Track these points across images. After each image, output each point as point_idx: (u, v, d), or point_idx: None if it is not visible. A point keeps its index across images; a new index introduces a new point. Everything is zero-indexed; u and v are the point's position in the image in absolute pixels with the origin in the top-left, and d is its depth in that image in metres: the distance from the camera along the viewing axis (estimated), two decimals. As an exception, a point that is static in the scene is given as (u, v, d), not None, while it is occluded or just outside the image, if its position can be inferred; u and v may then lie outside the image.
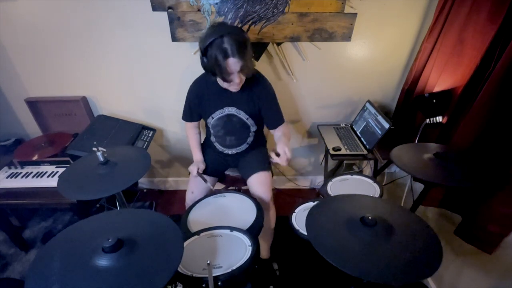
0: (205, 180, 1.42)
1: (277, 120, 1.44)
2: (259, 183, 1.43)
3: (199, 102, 1.41)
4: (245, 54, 1.14)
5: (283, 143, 1.23)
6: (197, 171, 1.45)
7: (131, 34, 1.57)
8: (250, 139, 1.50)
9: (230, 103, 1.37)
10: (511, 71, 1.06)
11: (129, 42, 1.59)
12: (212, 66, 1.16)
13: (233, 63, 1.13)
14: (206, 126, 1.52)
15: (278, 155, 1.21)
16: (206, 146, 1.62)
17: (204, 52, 1.16)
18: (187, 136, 1.58)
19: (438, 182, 1.04)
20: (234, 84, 1.23)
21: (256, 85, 1.36)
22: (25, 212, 2.01)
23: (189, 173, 1.51)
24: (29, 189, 1.41)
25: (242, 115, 1.39)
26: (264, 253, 1.63)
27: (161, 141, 2.03)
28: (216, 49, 1.11)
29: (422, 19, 1.58)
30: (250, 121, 1.42)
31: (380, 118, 1.62)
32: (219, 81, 1.28)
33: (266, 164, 1.51)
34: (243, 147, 1.52)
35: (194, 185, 1.46)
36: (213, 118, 1.41)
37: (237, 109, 1.38)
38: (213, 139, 1.52)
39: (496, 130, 1.15)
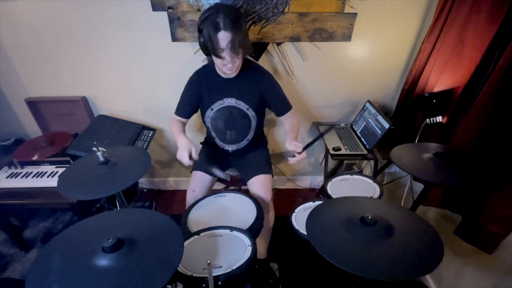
0: (195, 163, 1.19)
1: (283, 105, 1.44)
2: (259, 185, 1.43)
3: (198, 94, 1.40)
4: (237, 29, 1.14)
5: (293, 145, 1.23)
6: (190, 157, 1.24)
7: (131, 34, 1.57)
8: (250, 135, 1.50)
9: (229, 94, 1.37)
10: (511, 71, 1.06)
11: (129, 42, 1.59)
12: (205, 42, 1.17)
13: (224, 37, 1.13)
14: (205, 123, 1.51)
15: (293, 156, 1.23)
16: (206, 144, 1.62)
17: (199, 29, 1.18)
18: (170, 127, 1.43)
19: (438, 182, 1.04)
20: (228, 63, 1.21)
21: (255, 74, 1.37)
22: (25, 212, 2.01)
23: (191, 172, 1.51)
24: (29, 189, 1.41)
25: (242, 106, 1.39)
26: (262, 253, 1.62)
27: (161, 141, 2.03)
28: (209, 24, 1.13)
29: (422, 19, 1.59)
30: (250, 112, 1.42)
31: (380, 118, 1.62)
32: (216, 64, 1.27)
33: (266, 166, 1.50)
34: (244, 143, 1.51)
35: (195, 184, 1.46)
36: (212, 110, 1.41)
37: (237, 99, 1.38)
38: (213, 134, 1.51)
39: (496, 130, 1.15)
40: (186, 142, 1.27)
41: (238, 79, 1.36)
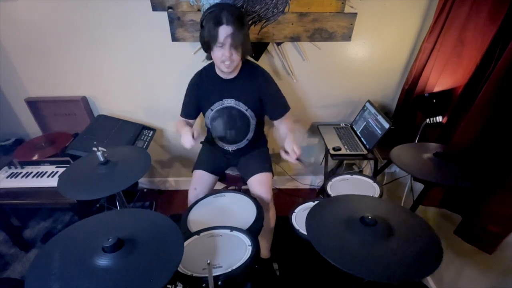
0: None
1: (279, 108, 1.43)
2: (260, 183, 1.43)
3: (198, 94, 1.42)
4: (238, 25, 1.16)
5: (290, 140, 1.22)
6: (192, 136, 1.26)
7: (131, 34, 1.57)
8: (250, 135, 1.50)
9: (229, 95, 1.38)
10: (511, 71, 1.06)
11: (129, 42, 1.59)
12: (206, 36, 1.19)
13: (225, 31, 1.15)
14: (205, 123, 1.52)
15: (287, 152, 1.21)
16: (206, 144, 1.62)
17: (202, 24, 1.21)
18: (177, 128, 1.44)
19: (438, 182, 1.04)
20: (226, 59, 1.22)
21: (254, 75, 1.38)
22: (25, 212, 2.01)
23: (192, 171, 1.52)
24: (29, 189, 1.41)
25: (241, 107, 1.40)
26: (265, 252, 1.63)
27: (161, 141, 2.03)
28: (211, 18, 1.16)
29: (422, 19, 1.59)
30: (249, 113, 1.42)
31: (380, 118, 1.62)
32: (215, 61, 1.28)
33: (267, 165, 1.51)
34: (243, 143, 1.52)
35: (196, 182, 1.47)
36: (212, 110, 1.42)
37: (236, 100, 1.39)
38: (213, 134, 1.52)
39: (496, 130, 1.15)
40: (188, 128, 1.32)
41: (237, 80, 1.36)
